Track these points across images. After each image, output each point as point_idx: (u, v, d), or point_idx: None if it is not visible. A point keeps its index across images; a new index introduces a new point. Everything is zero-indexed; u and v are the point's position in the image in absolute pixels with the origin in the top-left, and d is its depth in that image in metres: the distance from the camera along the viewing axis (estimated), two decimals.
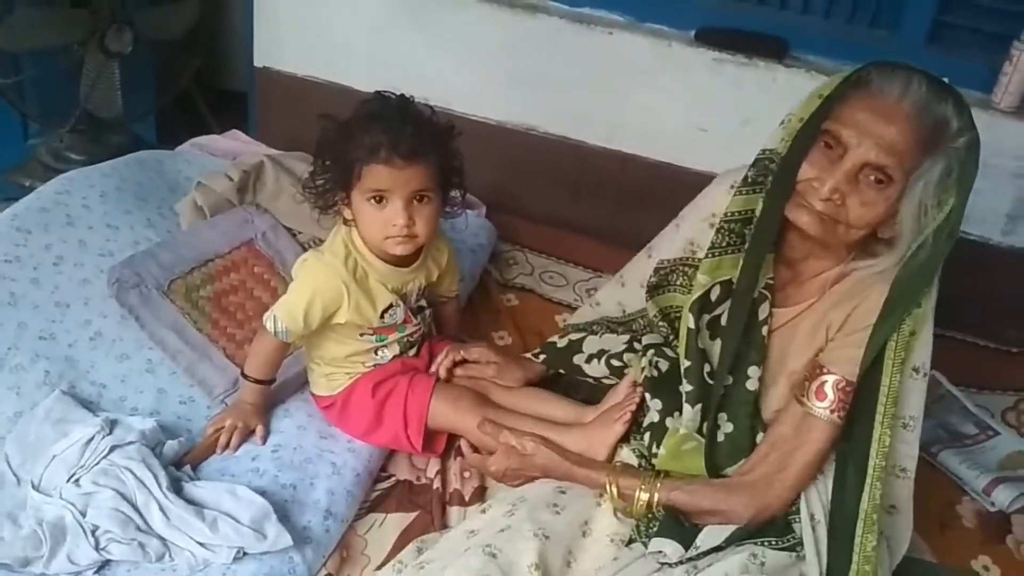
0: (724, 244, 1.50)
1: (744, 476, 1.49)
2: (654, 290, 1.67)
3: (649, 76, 2.28)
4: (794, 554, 1.44)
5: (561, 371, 1.77)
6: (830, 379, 1.44)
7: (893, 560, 1.47)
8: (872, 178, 1.36)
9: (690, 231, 1.64)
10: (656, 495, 1.46)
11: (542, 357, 1.79)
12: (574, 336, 1.78)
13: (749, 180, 1.48)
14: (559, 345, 1.78)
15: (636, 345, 1.65)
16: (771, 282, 1.51)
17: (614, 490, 1.48)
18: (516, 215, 2.39)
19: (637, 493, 1.47)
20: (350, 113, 1.54)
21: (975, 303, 2.13)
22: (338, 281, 1.55)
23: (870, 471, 1.41)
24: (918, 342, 1.43)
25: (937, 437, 1.87)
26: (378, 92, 1.57)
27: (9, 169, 2.61)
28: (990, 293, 2.19)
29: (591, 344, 1.74)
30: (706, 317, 1.51)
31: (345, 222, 1.58)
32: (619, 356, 1.67)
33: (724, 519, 1.45)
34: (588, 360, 1.72)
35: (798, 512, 1.46)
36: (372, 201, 1.51)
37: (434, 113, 1.55)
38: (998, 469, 1.80)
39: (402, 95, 1.55)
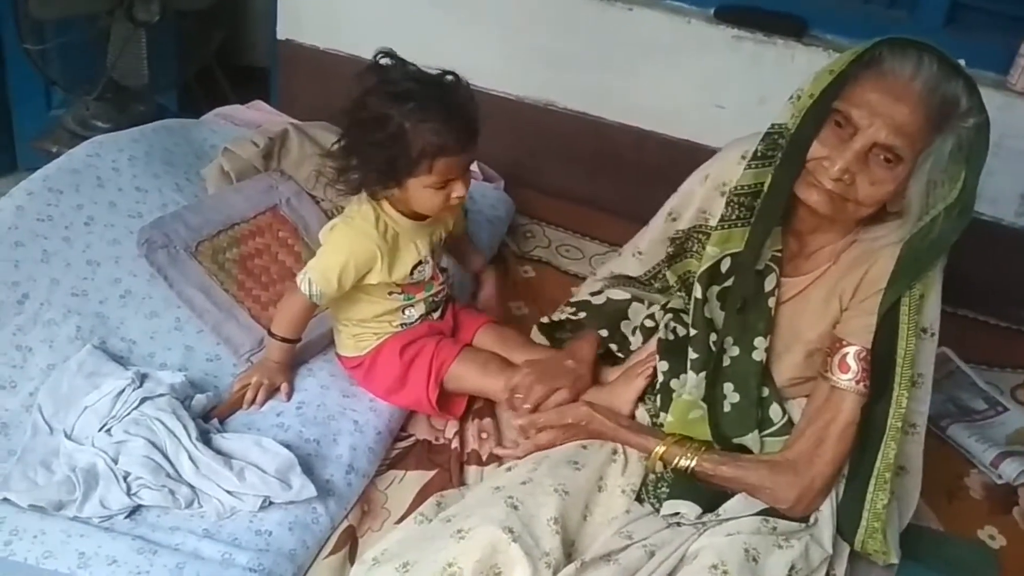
0: (734, 217, 1.52)
1: (786, 453, 1.49)
2: (672, 259, 1.69)
3: (668, 53, 2.30)
4: (805, 524, 1.46)
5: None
6: (851, 350, 1.46)
7: (901, 522, 1.50)
8: (882, 157, 1.36)
9: (701, 200, 1.64)
10: (694, 462, 1.48)
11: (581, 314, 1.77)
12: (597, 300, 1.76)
13: (759, 154, 1.50)
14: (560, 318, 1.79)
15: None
16: (778, 254, 1.53)
17: (660, 451, 1.50)
18: (534, 189, 2.41)
19: (677, 460, 1.49)
20: (374, 97, 1.51)
21: (987, 283, 2.16)
22: (372, 244, 1.58)
23: (887, 432, 1.42)
24: (927, 304, 1.44)
25: (947, 412, 1.89)
26: (376, 63, 1.54)
27: (35, 137, 2.65)
28: (1002, 273, 2.21)
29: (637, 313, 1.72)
30: (715, 288, 1.53)
31: (376, 198, 1.59)
32: (651, 317, 1.67)
33: (770, 498, 1.46)
34: (632, 332, 1.71)
35: None
36: (437, 185, 1.54)
37: (455, 77, 1.56)
38: (1006, 444, 1.83)
39: (401, 63, 1.54)
